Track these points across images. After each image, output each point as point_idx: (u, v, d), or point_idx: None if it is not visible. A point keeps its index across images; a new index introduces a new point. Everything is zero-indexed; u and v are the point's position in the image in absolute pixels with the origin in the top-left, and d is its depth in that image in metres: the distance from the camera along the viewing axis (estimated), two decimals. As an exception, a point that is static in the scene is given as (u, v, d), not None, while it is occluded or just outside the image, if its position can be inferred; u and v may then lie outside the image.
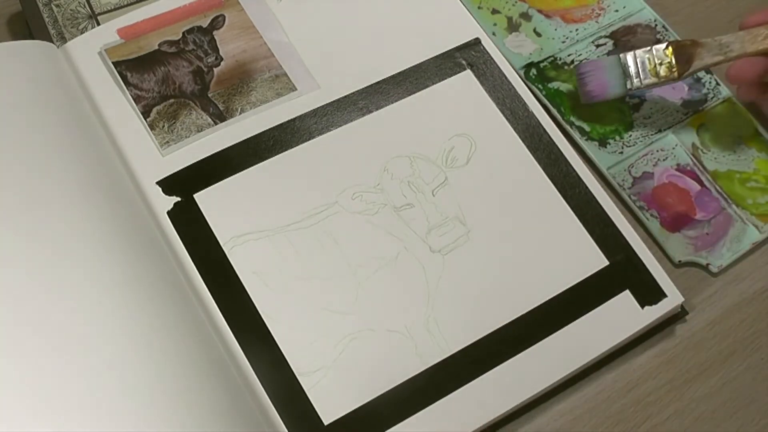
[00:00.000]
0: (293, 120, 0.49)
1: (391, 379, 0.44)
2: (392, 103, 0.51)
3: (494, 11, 0.58)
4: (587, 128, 0.54)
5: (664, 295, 0.47)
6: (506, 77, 0.52)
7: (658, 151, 0.54)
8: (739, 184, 0.53)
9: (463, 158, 0.50)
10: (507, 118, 0.51)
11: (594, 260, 0.48)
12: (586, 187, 0.49)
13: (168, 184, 0.47)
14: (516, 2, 0.58)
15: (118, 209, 0.46)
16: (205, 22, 0.51)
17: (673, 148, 0.54)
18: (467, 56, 0.53)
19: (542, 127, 0.51)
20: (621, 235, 0.48)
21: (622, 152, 0.54)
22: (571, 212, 0.49)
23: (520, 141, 0.50)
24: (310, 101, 0.50)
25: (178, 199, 0.47)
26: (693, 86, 0.57)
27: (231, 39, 0.51)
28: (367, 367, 0.44)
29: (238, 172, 0.48)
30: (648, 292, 0.47)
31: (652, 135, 0.55)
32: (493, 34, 0.57)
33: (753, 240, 0.52)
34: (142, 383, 0.41)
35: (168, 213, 0.46)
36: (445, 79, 0.52)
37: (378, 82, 0.51)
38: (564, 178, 0.50)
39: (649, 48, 0.51)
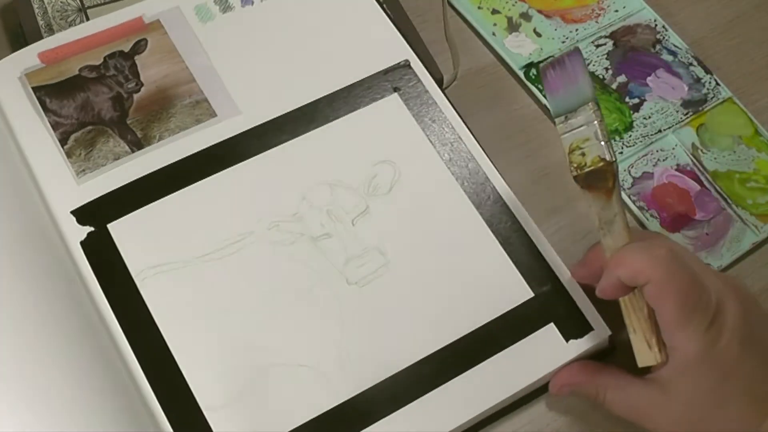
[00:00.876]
0: (211, 147, 0.48)
1: (301, 416, 0.43)
2: (317, 128, 0.50)
3: (494, 11, 0.58)
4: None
5: (591, 329, 0.46)
6: (434, 101, 0.51)
7: (658, 151, 0.54)
8: (738, 184, 0.54)
9: (386, 186, 0.48)
10: (433, 144, 0.49)
11: (518, 292, 0.46)
12: (514, 216, 0.48)
13: (82, 214, 0.46)
14: (516, 2, 0.59)
15: (30, 238, 0.45)
16: (127, 47, 0.50)
17: (673, 148, 0.54)
18: (395, 79, 0.51)
19: (470, 153, 0.49)
20: (548, 267, 0.47)
21: (622, 152, 0.54)
22: (497, 242, 0.47)
23: (446, 168, 0.49)
24: (230, 127, 0.49)
25: (92, 229, 0.46)
26: (693, 86, 0.57)
27: (153, 64, 0.50)
28: (275, 402, 0.43)
29: (153, 201, 0.47)
30: (573, 325, 0.46)
31: (652, 135, 0.55)
32: (493, 34, 0.57)
33: (753, 240, 0.52)
34: (47, 417, 0.40)
35: (81, 243, 0.46)
36: (373, 103, 0.50)
37: (303, 106, 0.50)
38: (491, 206, 0.48)
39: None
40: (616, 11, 0.59)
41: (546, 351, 0.45)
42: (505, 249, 0.47)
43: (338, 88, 0.51)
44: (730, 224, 0.53)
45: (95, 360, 0.43)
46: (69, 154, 0.48)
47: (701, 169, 0.54)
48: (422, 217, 0.48)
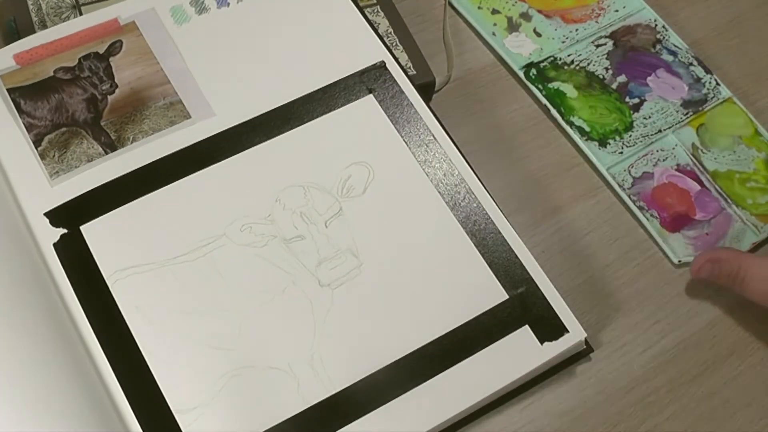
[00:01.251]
0: (185, 149, 0.48)
1: (271, 419, 0.43)
2: (291, 129, 0.49)
3: (494, 11, 0.59)
4: (587, 128, 0.54)
5: (566, 331, 0.45)
6: (410, 102, 0.50)
7: (658, 151, 0.55)
8: (738, 184, 0.54)
9: (360, 187, 0.48)
10: (408, 145, 0.49)
11: (493, 294, 0.46)
12: (489, 217, 0.48)
13: (55, 216, 0.46)
14: (516, 2, 0.59)
15: (2, 240, 0.45)
16: (102, 48, 0.50)
17: (673, 148, 0.55)
18: (370, 80, 0.51)
19: (445, 154, 0.49)
20: (523, 268, 0.47)
21: (622, 152, 0.54)
22: (471, 243, 0.47)
23: (421, 169, 0.49)
24: (203, 129, 0.49)
25: (65, 231, 0.46)
26: (693, 86, 0.57)
27: (127, 65, 0.50)
28: (246, 405, 0.43)
29: (126, 203, 0.47)
30: (548, 328, 0.45)
31: (652, 135, 0.55)
32: (493, 34, 0.58)
33: (753, 240, 0.52)
34: (15, 418, 0.40)
35: (54, 245, 0.45)
36: (348, 104, 0.50)
37: (278, 108, 0.50)
38: (466, 207, 0.48)
39: None
40: (616, 11, 0.60)
41: (520, 353, 0.45)
42: (479, 250, 0.47)
43: (313, 90, 0.50)
44: (730, 224, 0.53)
45: (66, 362, 0.43)
46: (43, 156, 0.47)
47: (701, 169, 0.54)
48: (396, 219, 0.48)
